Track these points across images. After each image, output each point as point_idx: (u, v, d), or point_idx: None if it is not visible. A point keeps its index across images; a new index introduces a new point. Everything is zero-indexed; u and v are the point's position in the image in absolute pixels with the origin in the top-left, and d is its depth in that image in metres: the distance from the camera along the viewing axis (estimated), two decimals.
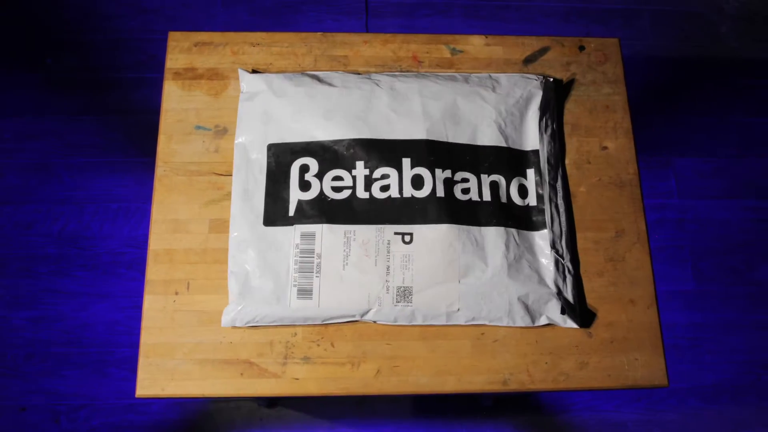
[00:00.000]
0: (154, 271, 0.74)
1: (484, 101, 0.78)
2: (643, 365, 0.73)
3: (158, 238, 0.75)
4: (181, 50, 0.83)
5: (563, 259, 0.74)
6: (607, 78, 0.85)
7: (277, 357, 0.72)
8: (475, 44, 0.85)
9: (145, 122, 1.57)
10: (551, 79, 0.81)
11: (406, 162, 0.74)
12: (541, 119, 0.78)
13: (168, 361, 0.71)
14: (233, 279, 0.72)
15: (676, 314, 1.49)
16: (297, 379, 0.71)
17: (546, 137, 0.78)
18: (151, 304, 0.73)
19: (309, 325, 0.72)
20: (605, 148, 0.81)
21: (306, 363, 0.72)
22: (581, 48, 0.86)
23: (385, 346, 0.72)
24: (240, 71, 0.79)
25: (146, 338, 0.72)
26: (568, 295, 0.73)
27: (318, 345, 0.72)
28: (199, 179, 0.78)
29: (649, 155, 1.61)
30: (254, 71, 0.82)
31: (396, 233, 0.72)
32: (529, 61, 0.85)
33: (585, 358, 0.73)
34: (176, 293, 0.73)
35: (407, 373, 0.72)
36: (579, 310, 0.74)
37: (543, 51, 0.85)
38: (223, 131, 0.79)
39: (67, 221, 1.49)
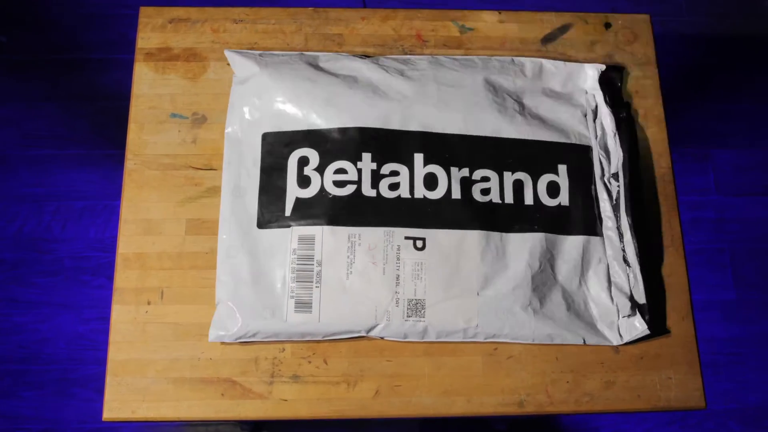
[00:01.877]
0: (123, 278, 0.74)
1: (506, 90, 0.78)
2: (677, 384, 0.73)
3: (128, 241, 0.75)
4: (154, 28, 0.83)
5: (628, 264, 0.74)
6: (637, 59, 0.85)
7: (263, 375, 0.72)
8: (487, 21, 0.85)
9: (113, 109, 1.57)
10: (600, 67, 0.81)
11: (419, 158, 0.74)
12: (587, 106, 0.79)
13: (139, 380, 0.71)
14: (222, 289, 0.72)
15: (715, 327, 1.49)
16: (285, 400, 0.71)
17: (596, 125, 0.78)
18: (119, 315, 0.73)
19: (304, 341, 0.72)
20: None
21: (295, 382, 0.72)
22: (607, 25, 0.86)
23: (384, 363, 0.72)
24: (227, 53, 0.79)
25: (114, 354, 0.72)
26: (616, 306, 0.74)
27: (309, 362, 0.72)
28: (174, 174, 0.78)
29: (684, 147, 1.61)
30: (243, 51, 0.82)
31: (407, 237, 0.72)
32: (548, 40, 0.85)
33: (611, 377, 0.73)
34: (148, 303, 0.73)
35: (410, 393, 0.72)
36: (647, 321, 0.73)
37: (564, 29, 0.85)
38: (202, 119, 0.79)
39: (24, 221, 1.49)
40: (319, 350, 0.72)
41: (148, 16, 0.83)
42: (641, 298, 0.73)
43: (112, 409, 0.70)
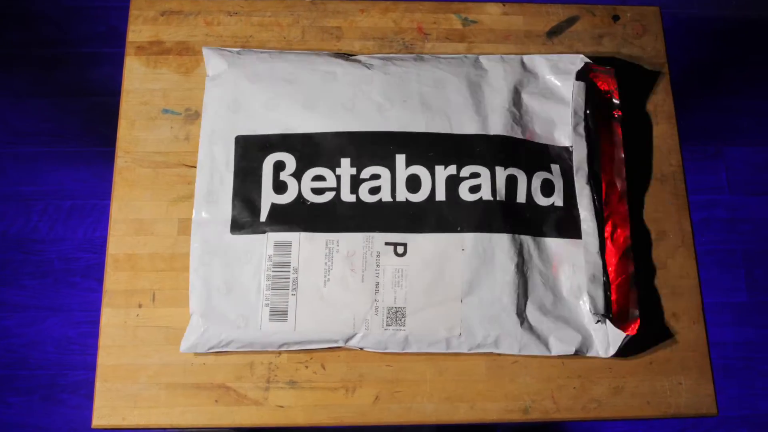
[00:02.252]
0: (113, 280, 0.74)
1: (494, 88, 0.78)
2: (687, 390, 0.73)
3: (118, 242, 0.75)
4: (146, 20, 0.83)
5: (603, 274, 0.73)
6: (646, 53, 0.85)
7: (259, 381, 0.72)
8: (491, 13, 0.85)
9: (103, 105, 1.57)
10: (585, 59, 0.81)
11: (401, 159, 0.74)
12: (575, 108, 0.77)
13: (130, 386, 0.71)
14: (195, 297, 0.72)
15: (727, 330, 1.49)
16: (281, 406, 0.71)
17: (581, 130, 0.77)
18: (109, 318, 0.73)
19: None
20: (643, 135, 0.81)
21: (292, 388, 0.72)
22: (615, 18, 0.86)
23: (384, 368, 0.72)
24: (205, 51, 0.79)
25: (104, 359, 0.72)
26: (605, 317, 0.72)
27: (306, 367, 0.72)
28: (166, 172, 0.78)
29: (695, 144, 1.61)
30: (221, 48, 0.81)
31: (387, 243, 0.72)
32: (553, 33, 0.85)
33: (620, 382, 0.73)
34: (139, 306, 0.73)
35: (411, 399, 0.72)
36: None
37: (571, 21, 0.85)
38: (195, 116, 0.79)
39: (11, 221, 1.49)
40: (317, 355, 0.72)
41: (139, 9, 0.83)
42: (605, 303, 0.72)
43: (102, 416, 0.70)
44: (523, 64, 0.80)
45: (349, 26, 0.84)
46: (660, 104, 0.82)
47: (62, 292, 1.45)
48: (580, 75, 0.78)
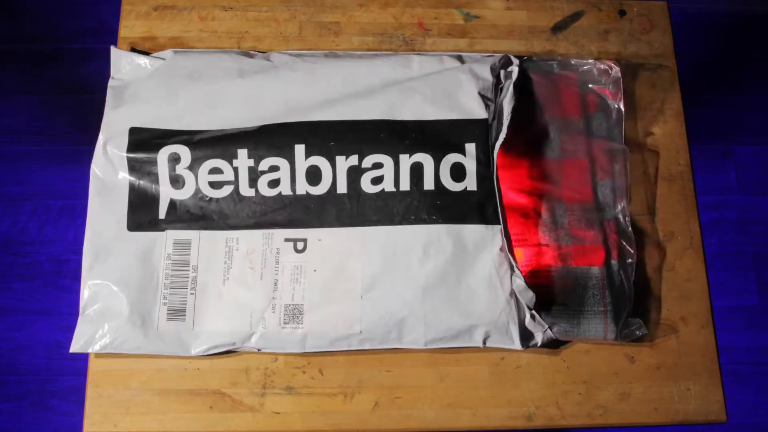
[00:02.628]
0: None
1: (407, 75, 0.76)
2: (696, 396, 0.74)
3: None
4: (138, 15, 0.83)
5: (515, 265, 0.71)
6: (654, 49, 0.85)
7: (254, 386, 0.72)
8: (494, 8, 0.85)
9: (93, 103, 1.57)
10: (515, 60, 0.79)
11: (300, 150, 0.73)
12: (495, 85, 0.76)
13: (122, 392, 0.71)
14: (88, 294, 0.72)
15: (737, 335, 1.50)
16: (278, 413, 0.71)
17: (498, 102, 0.75)
18: None
19: (290, 354, 0.72)
20: (651, 133, 0.82)
21: (289, 394, 0.72)
22: (622, 13, 0.86)
23: (384, 373, 0.72)
24: (113, 51, 0.79)
25: (95, 364, 0.72)
26: (525, 310, 0.71)
27: (304, 372, 0.72)
28: None
29: (704, 143, 1.61)
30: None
31: (287, 240, 0.72)
32: (558, 28, 0.85)
33: (626, 388, 0.73)
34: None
35: (411, 405, 0.72)
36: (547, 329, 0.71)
37: (576, 16, 0.85)
38: None
39: None
40: (315, 360, 0.72)
41: (131, 3, 0.83)
42: (524, 293, 0.70)
43: (94, 423, 0.70)
44: (427, 61, 0.78)
45: (347, 21, 0.84)
46: (668, 102, 0.83)
47: (52, 295, 1.45)
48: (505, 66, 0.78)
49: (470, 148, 0.73)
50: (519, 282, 0.70)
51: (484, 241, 0.72)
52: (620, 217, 0.75)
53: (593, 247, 0.73)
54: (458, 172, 0.73)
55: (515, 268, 0.70)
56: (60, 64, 1.60)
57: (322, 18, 0.84)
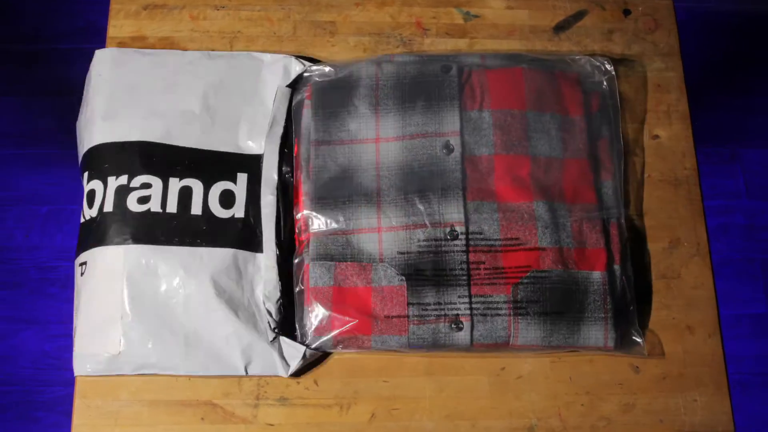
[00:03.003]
0: None
1: (186, 87, 0.78)
2: (703, 407, 0.74)
3: None
4: (127, 15, 0.83)
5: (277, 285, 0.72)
6: (659, 50, 0.85)
7: (247, 397, 0.71)
8: (494, 7, 0.85)
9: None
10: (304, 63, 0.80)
11: (86, 175, 0.76)
12: (275, 115, 0.77)
13: (111, 403, 0.71)
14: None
15: (745, 344, 1.50)
16: (272, 425, 0.71)
17: (276, 137, 0.77)
18: None
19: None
20: (656, 137, 0.82)
21: (283, 405, 0.72)
22: (626, 12, 0.86)
23: (381, 383, 0.72)
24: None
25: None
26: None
27: (298, 383, 0.72)
28: None
29: (710, 146, 1.62)
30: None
31: (80, 264, 0.74)
32: (560, 28, 0.85)
33: (631, 399, 0.73)
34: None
35: (409, 417, 0.72)
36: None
37: (579, 16, 0.85)
38: None
39: None
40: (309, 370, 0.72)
41: (120, 2, 0.83)
42: (277, 320, 0.72)
43: None
44: (222, 62, 0.80)
45: (343, 21, 0.84)
46: (673, 104, 0.83)
47: (38, 303, 1.45)
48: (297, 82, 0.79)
49: (242, 177, 0.76)
50: (273, 309, 0.72)
51: (246, 265, 0.73)
52: (623, 220, 0.75)
53: (595, 250, 0.73)
54: (227, 198, 0.75)
55: (277, 297, 0.72)
56: (46, 66, 1.60)
57: (317, 17, 0.84)
